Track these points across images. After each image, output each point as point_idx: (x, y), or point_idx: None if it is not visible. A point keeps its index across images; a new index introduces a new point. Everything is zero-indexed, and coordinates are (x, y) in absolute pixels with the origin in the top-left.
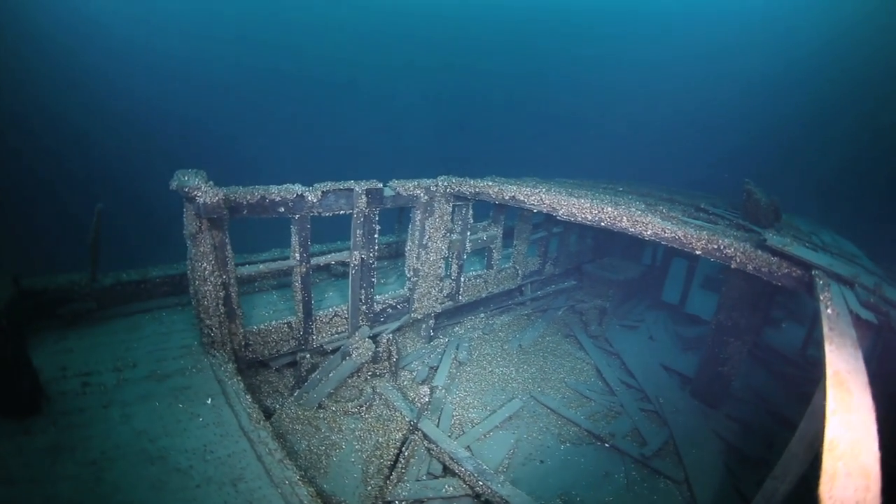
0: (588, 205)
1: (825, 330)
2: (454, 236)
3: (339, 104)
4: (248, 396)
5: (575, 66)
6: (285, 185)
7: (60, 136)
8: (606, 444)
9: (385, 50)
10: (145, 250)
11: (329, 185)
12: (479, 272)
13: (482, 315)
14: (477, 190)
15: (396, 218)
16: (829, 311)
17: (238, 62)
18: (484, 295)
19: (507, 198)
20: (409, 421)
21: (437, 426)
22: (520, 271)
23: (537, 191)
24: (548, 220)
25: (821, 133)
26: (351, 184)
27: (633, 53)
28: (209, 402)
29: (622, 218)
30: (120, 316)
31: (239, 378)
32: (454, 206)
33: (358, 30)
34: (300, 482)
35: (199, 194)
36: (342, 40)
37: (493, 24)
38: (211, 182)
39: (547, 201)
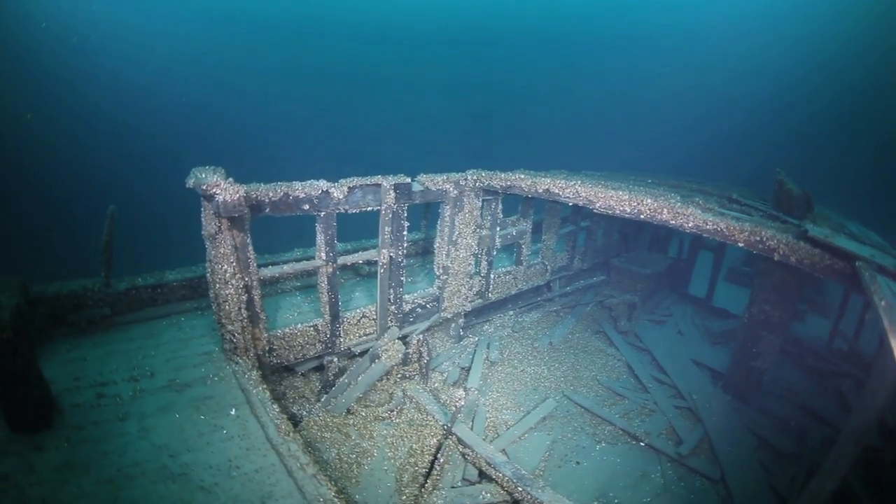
0: (627, 197)
1: (886, 323)
2: (484, 232)
3: (361, 98)
4: (274, 406)
5: (603, 60)
6: (309, 181)
7: (66, 133)
8: (642, 444)
9: (409, 42)
10: (161, 253)
11: (356, 181)
12: (509, 268)
13: (511, 312)
14: (508, 183)
15: (422, 214)
16: (883, 303)
17: (254, 56)
18: (513, 292)
19: (540, 191)
20: (443, 425)
21: (472, 429)
22: (548, 267)
23: (572, 183)
24: (575, 213)
25: (847, 130)
26: (378, 179)
27: (661, 51)
28: (233, 412)
29: (662, 210)
30: (136, 322)
31: (264, 386)
32: (483, 201)
33: (381, 22)
34: (336, 499)
35: (219, 191)
36: (364, 33)
37: (519, 17)
38: (230, 178)
39: (583, 194)
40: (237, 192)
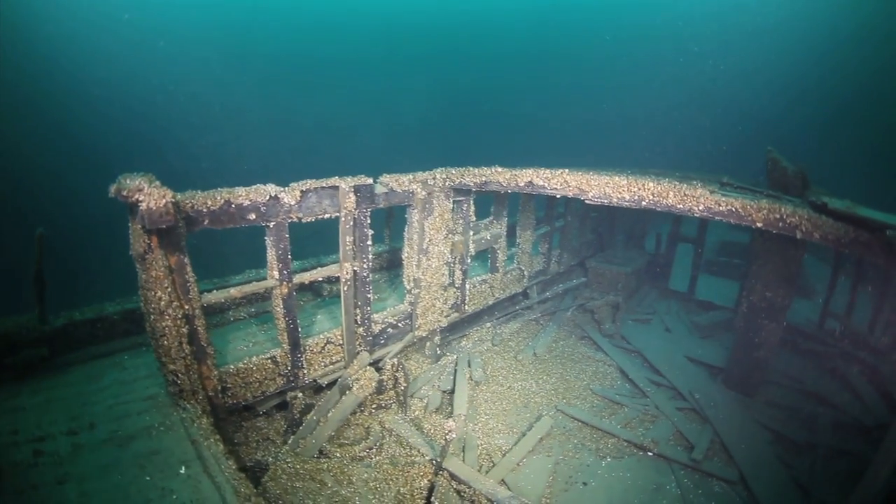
0: (625, 182)
1: None
2: (456, 237)
3: (316, 90)
4: (231, 462)
5: (589, 53)
6: (255, 186)
7: None
8: (650, 453)
9: (371, 30)
10: (103, 282)
11: (309, 184)
12: (484, 277)
13: (488, 325)
14: (483, 179)
15: (384, 222)
16: None
17: (195, 46)
18: (490, 302)
19: (522, 184)
20: (431, 460)
21: (463, 461)
22: (525, 272)
23: (559, 172)
24: (549, 213)
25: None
26: (335, 180)
27: (654, 43)
28: (183, 471)
29: (668, 193)
30: (77, 363)
31: (217, 437)
32: (454, 202)
33: (346, 16)
34: None
35: (142, 197)
36: (326, 23)
37: (500, 10)
38: (157, 182)
39: (573, 183)
40: (163, 197)
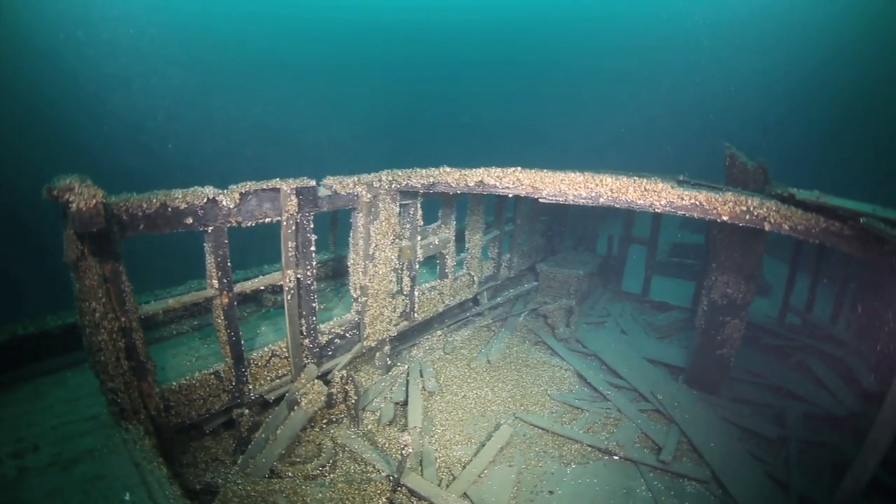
0: (582, 178)
1: None
2: (403, 242)
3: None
4: (176, 487)
5: (552, 58)
6: (192, 188)
7: None
8: (616, 457)
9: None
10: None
11: (248, 186)
12: (433, 283)
13: (439, 333)
14: (431, 180)
15: (329, 228)
16: None
17: (142, 39)
18: (441, 309)
19: (471, 184)
20: (388, 476)
21: (422, 475)
22: (475, 278)
23: (512, 170)
24: (498, 217)
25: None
26: (276, 182)
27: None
28: (127, 497)
29: (627, 189)
30: (22, 380)
31: (160, 460)
32: (401, 206)
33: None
34: None
35: (72, 198)
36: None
37: (451, 17)
38: (90, 182)
39: (526, 182)
40: (93, 197)
